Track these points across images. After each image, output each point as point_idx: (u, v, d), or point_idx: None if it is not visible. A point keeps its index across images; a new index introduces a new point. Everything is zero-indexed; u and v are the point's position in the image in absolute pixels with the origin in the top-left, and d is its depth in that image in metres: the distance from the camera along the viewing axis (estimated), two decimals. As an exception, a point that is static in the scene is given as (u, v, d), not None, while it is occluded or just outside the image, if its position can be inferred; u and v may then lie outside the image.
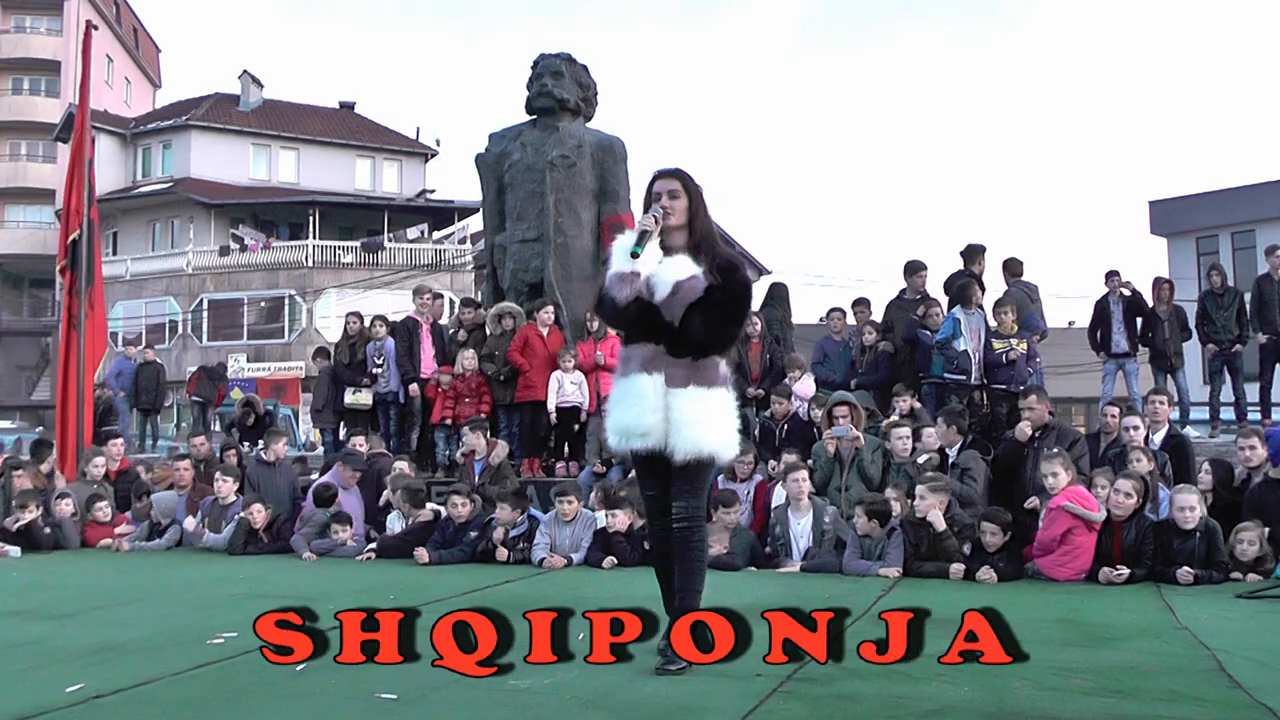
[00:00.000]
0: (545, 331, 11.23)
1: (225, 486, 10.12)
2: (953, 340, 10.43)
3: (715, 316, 4.39)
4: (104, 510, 10.44)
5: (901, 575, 7.58)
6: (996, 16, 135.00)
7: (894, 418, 10.23)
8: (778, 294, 13.30)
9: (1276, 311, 12.49)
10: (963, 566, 7.47)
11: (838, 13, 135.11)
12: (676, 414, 4.41)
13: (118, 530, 10.31)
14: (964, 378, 10.34)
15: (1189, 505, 7.30)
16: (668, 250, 4.45)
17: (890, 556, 7.75)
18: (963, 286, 10.93)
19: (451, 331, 12.25)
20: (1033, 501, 8.25)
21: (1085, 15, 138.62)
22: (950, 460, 8.82)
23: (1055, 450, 8.08)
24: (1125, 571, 7.15)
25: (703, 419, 4.44)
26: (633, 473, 9.66)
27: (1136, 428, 9.01)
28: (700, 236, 4.53)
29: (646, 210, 4.52)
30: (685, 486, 4.52)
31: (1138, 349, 12.76)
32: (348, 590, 7.04)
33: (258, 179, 44.19)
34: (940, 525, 7.64)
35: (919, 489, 7.90)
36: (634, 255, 4.34)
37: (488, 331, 11.78)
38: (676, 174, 4.58)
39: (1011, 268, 12.34)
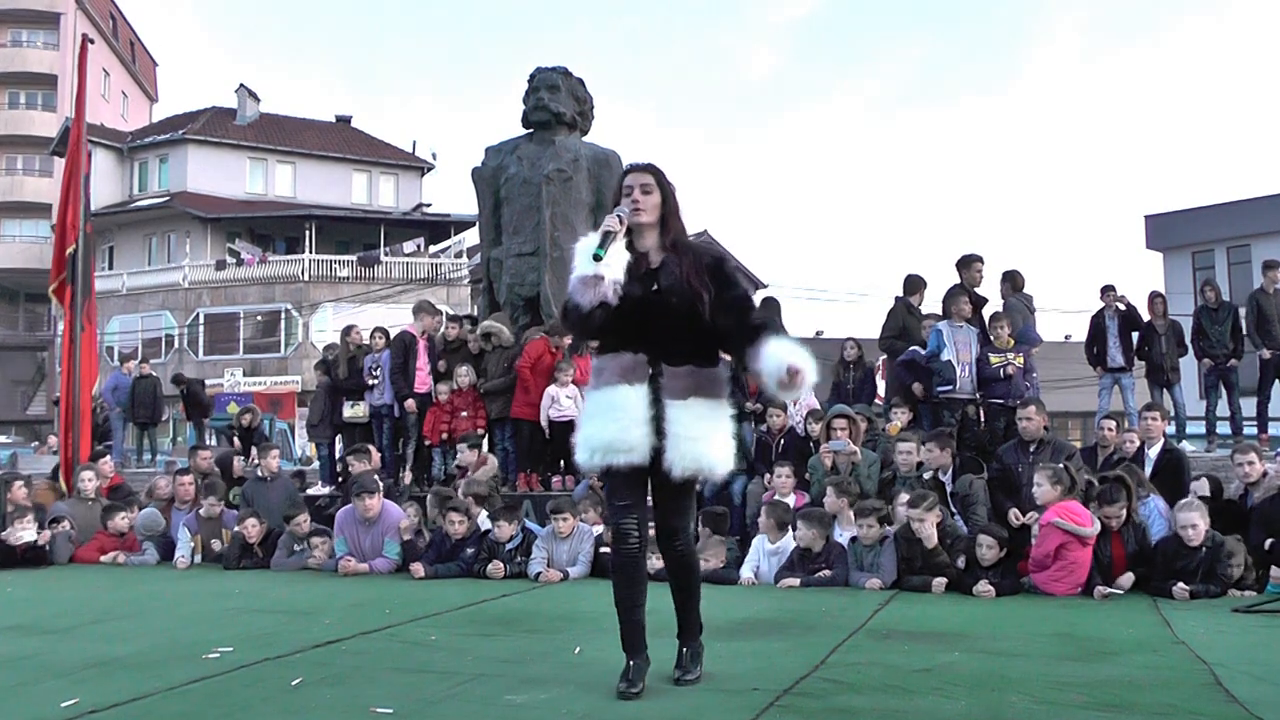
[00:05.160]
0: (556, 349, 11.24)
1: (216, 507, 10.21)
2: (938, 353, 10.43)
3: (745, 307, 4.27)
4: (124, 520, 10.42)
5: (895, 589, 7.58)
6: (993, 30, 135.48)
7: (897, 424, 10.26)
8: (770, 308, 13.24)
9: (1276, 325, 12.50)
10: (944, 581, 7.48)
11: (834, 25, 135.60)
12: (677, 428, 4.12)
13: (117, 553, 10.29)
14: (949, 388, 10.33)
15: (1191, 524, 7.28)
16: (638, 250, 4.25)
17: (884, 567, 7.74)
18: (946, 298, 10.94)
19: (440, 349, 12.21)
20: (1014, 515, 8.26)
21: (1083, 28, 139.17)
22: (948, 488, 8.79)
23: (1053, 464, 8.08)
24: (1119, 591, 7.16)
25: (705, 435, 4.18)
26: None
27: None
28: (673, 236, 4.30)
29: (614, 207, 4.27)
30: (678, 506, 4.31)
31: (1133, 363, 12.78)
32: (343, 604, 7.02)
33: (254, 193, 44.22)
34: (931, 542, 7.64)
35: (912, 509, 7.87)
36: (597, 258, 4.03)
37: (471, 349, 11.76)
38: (649, 169, 4.32)
39: (1013, 281, 12.34)
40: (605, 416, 4.18)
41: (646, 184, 4.26)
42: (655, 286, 4.20)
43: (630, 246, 4.20)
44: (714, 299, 4.18)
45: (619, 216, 4.14)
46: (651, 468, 4.17)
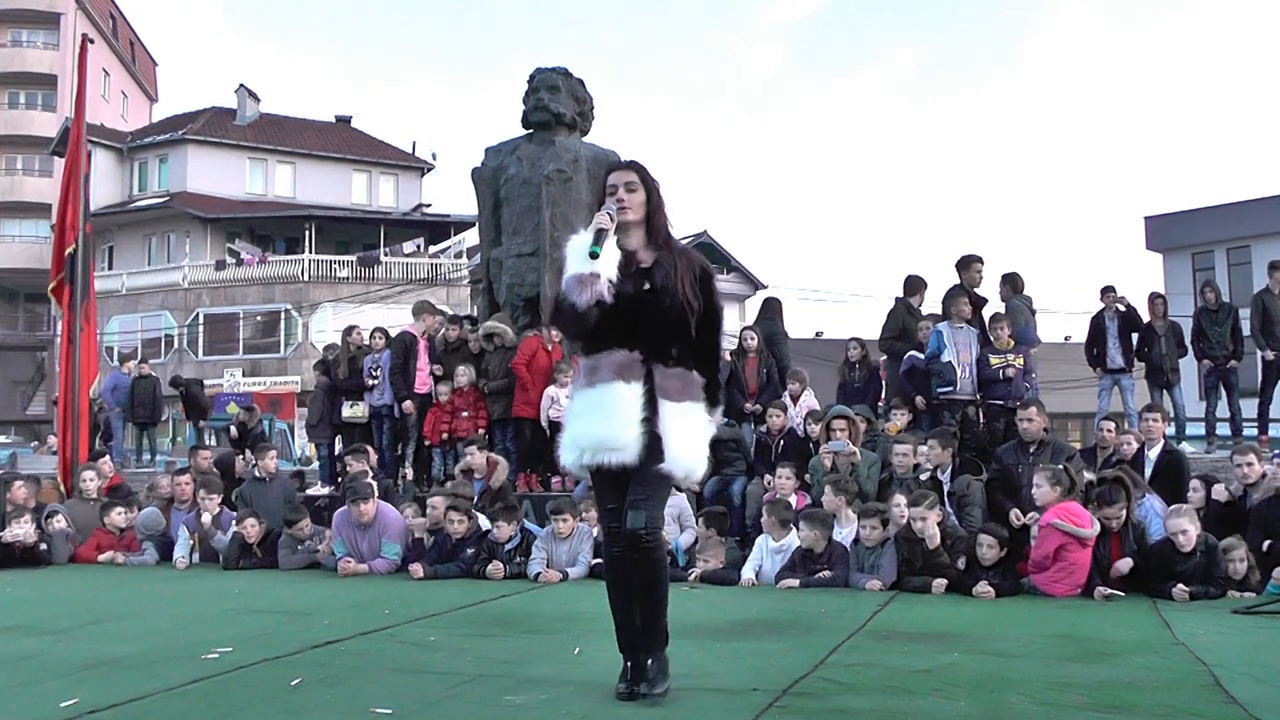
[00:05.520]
0: (551, 347, 11.21)
1: (211, 504, 10.16)
2: (939, 354, 10.42)
3: (715, 351, 4.32)
4: (122, 515, 10.47)
5: (895, 589, 7.58)
6: (994, 34, 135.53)
7: (896, 424, 10.26)
8: (772, 309, 13.25)
9: None
10: (945, 581, 7.49)
11: (835, 29, 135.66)
12: (675, 424, 4.07)
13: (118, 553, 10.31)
14: (950, 389, 10.32)
15: (1181, 530, 7.27)
16: (626, 249, 4.17)
17: (884, 569, 7.74)
18: (946, 299, 10.94)
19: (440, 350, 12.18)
20: (1014, 515, 8.27)
21: (1083, 31, 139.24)
22: (946, 487, 8.79)
23: (1053, 465, 8.08)
24: (1120, 594, 7.15)
25: (696, 438, 4.15)
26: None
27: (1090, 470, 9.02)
28: (661, 235, 4.24)
29: (600, 206, 4.17)
30: (646, 493, 4.08)
31: (1133, 364, 12.77)
32: (342, 604, 7.03)
33: (254, 193, 44.21)
34: (934, 542, 7.64)
35: (915, 508, 7.87)
36: (593, 256, 3.97)
37: (472, 349, 11.75)
38: (633, 166, 4.28)
39: (1013, 282, 12.34)
40: (596, 414, 4.09)
41: (630, 182, 4.21)
42: (647, 285, 4.14)
43: (619, 245, 4.13)
44: (698, 314, 4.18)
45: (609, 214, 4.08)
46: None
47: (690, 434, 4.12)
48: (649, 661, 4.15)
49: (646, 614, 4.16)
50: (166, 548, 10.26)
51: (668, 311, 4.12)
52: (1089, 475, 8.43)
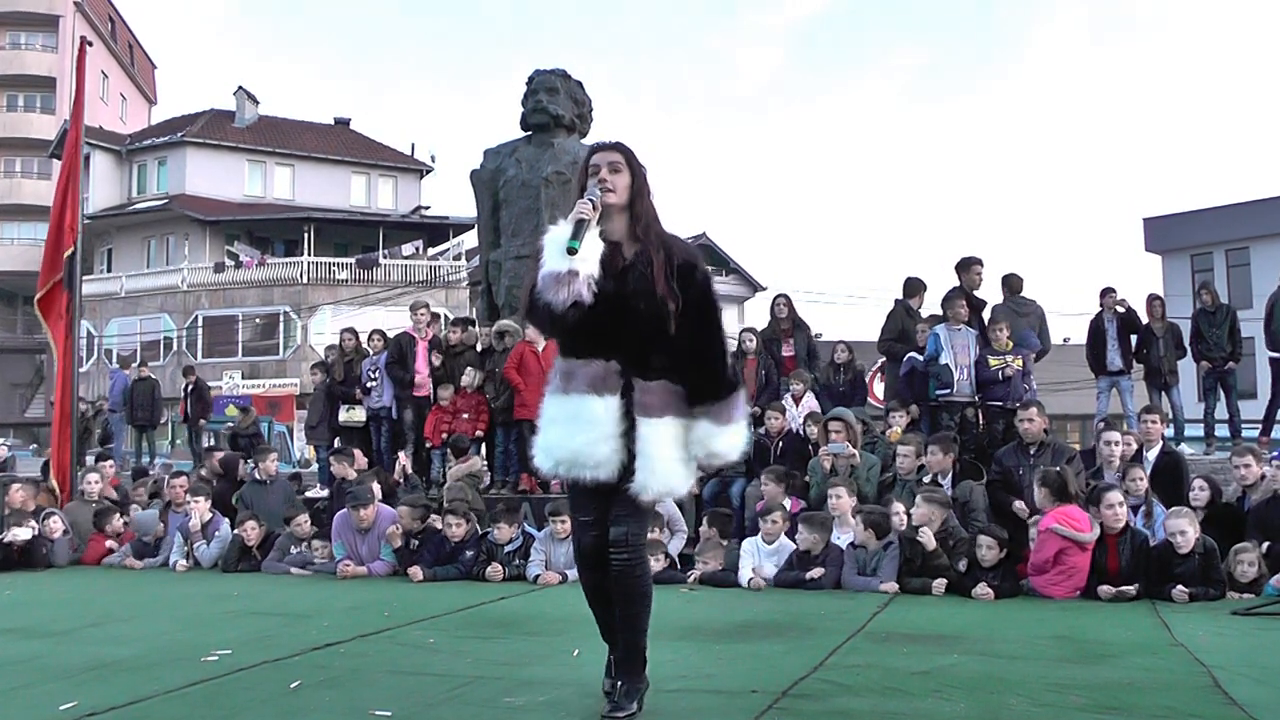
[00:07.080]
0: (540, 348, 11.17)
1: (198, 506, 10.11)
2: (937, 356, 10.43)
3: (707, 345, 3.88)
4: (116, 525, 10.48)
5: (896, 590, 7.58)
6: (993, 36, 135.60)
7: (898, 429, 10.26)
8: (771, 308, 13.22)
9: None
10: (944, 581, 7.50)
11: (837, 30, 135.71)
12: (650, 447, 3.76)
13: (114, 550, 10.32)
14: (948, 391, 10.32)
15: (1180, 530, 7.27)
16: (610, 239, 3.86)
17: (885, 570, 7.75)
18: (944, 302, 10.95)
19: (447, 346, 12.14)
20: (1019, 506, 8.29)
21: (1081, 32, 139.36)
22: (950, 493, 8.79)
23: (1055, 469, 8.08)
24: (1130, 590, 7.13)
25: (676, 456, 3.83)
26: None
27: (1117, 443, 9.00)
28: (644, 223, 3.90)
29: (582, 194, 3.86)
30: (628, 510, 3.83)
31: (1132, 366, 12.77)
32: (341, 606, 7.03)
33: (253, 195, 44.23)
34: (930, 545, 7.64)
35: (917, 498, 7.90)
36: (571, 251, 3.68)
37: (479, 348, 11.73)
38: (617, 147, 3.95)
39: (1011, 284, 12.34)
40: (571, 425, 3.81)
41: (615, 162, 3.90)
42: (625, 286, 3.83)
43: (600, 234, 3.84)
44: (680, 310, 3.80)
45: (591, 201, 3.78)
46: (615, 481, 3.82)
47: (674, 452, 3.83)
48: (619, 684, 3.92)
49: (625, 629, 3.93)
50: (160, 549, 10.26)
51: (645, 316, 3.80)
52: (1123, 440, 8.46)
